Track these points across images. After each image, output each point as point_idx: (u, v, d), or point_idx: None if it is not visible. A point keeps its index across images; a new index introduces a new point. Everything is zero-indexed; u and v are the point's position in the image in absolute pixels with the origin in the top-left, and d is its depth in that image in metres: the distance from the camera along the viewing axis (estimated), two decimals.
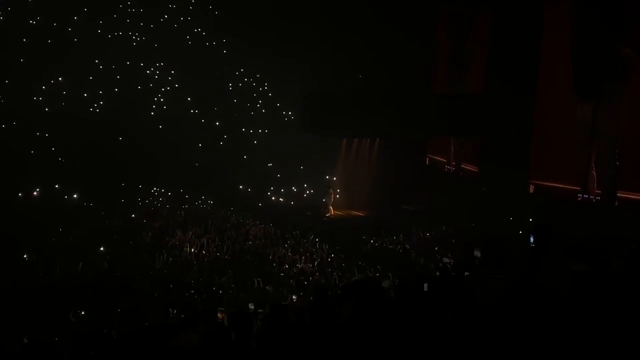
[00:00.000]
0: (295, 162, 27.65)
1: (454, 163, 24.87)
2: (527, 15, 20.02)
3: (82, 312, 12.35)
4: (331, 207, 24.90)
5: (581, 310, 4.65)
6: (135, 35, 30.41)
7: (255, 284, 14.93)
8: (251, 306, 9.83)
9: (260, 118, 29.80)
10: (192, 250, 17.87)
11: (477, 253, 7.01)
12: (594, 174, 18.82)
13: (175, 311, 12.67)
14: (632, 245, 5.85)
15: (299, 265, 16.73)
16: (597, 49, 17.72)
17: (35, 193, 22.25)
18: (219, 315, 9.19)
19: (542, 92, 20.44)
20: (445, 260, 14.04)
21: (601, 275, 5.35)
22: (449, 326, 5.41)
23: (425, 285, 7.98)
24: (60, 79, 27.34)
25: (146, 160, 25.48)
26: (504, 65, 20.66)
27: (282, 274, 15.99)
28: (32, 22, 28.33)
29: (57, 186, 22.79)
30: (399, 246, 18.82)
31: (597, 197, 18.78)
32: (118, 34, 29.85)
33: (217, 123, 28.82)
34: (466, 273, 8.36)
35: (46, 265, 15.87)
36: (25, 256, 16.40)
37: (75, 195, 22.50)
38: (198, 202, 24.26)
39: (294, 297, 12.16)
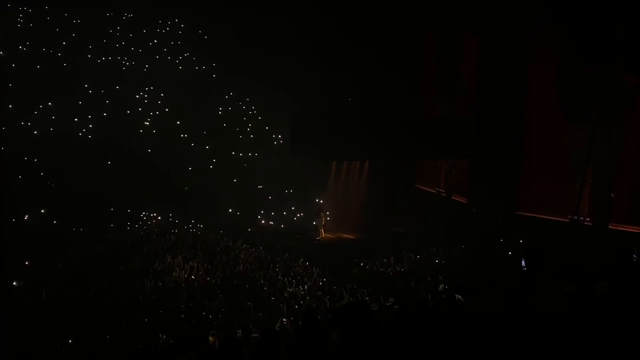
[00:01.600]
0: (285, 185, 27.68)
1: (443, 191, 24.97)
2: (515, 39, 20.29)
3: (70, 340, 12.22)
4: (322, 230, 24.93)
5: (572, 331, 4.66)
6: (124, 60, 30.52)
7: (246, 309, 14.84)
8: (239, 332, 9.77)
9: (250, 141, 29.87)
10: (182, 274, 17.76)
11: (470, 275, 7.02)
12: (586, 197, 18.99)
13: (164, 336, 12.55)
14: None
15: (290, 289, 16.65)
16: (583, 74, 17.94)
17: (24, 218, 22.08)
18: (210, 338, 9.12)
19: (530, 116, 20.66)
20: (440, 287, 14.08)
21: (589, 296, 5.37)
22: (443, 349, 5.39)
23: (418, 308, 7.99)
24: (49, 103, 27.31)
25: (135, 184, 25.40)
26: (491, 89, 20.90)
27: (272, 298, 15.92)
28: (22, 48, 28.35)
29: (43, 211, 22.64)
30: (390, 269, 18.80)
31: (587, 219, 18.91)
32: (107, 58, 29.93)
33: (207, 147, 28.84)
34: (457, 296, 8.37)
35: (33, 290, 15.72)
36: (14, 282, 16.25)
37: (62, 220, 22.36)
38: (187, 226, 24.16)
39: (284, 319, 12.09)
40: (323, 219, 25.12)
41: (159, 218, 24.76)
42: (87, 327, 13.06)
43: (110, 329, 13.46)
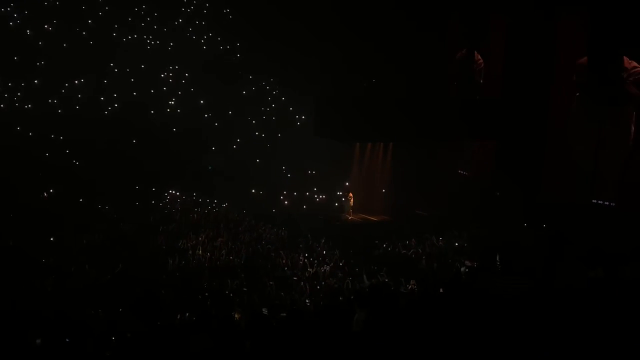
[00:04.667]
0: (308, 167, 27.70)
1: (466, 173, 24.81)
2: (543, 20, 19.99)
3: (97, 312, 12.42)
4: (351, 211, 25.02)
5: (596, 314, 4.64)
6: (149, 39, 30.59)
7: (268, 288, 14.96)
8: (265, 311, 9.85)
9: (274, 122, 29.90)
10: (205, 253, 17.93)
11: (497, 258, 7.00)
12: (607, 180, 18.78)
13: (187, 314, 12.71)
14: None
15: (311, 270, 16.74)
16: (613, 57, 17.66)
17: (45, 195, 22.40)
18: (236, 315, 9.22)
19: (556, 100, 20.40)
20: (467, 263, 14.04)
21: (615, 281, 5.34)
22: (464, 331, 5.39)
23: (440, 289, 8.01)
24: (75, 82, 27.55)
25: (159, 164, 25.61)
26: (518, 71, 20.64)
27: (294, 278, 16.03)
28: (48, 27, 28.55)
29: (69, 189, 22.94)
30: (412, 251, 18.81)
31: (611, 203, 18.70)
32: (133, 37, 30.04)
33: (231, 127, 28.94)
34: (480, 277, 8.36)
35: (59, 268, 15.98)
36: (43, 260, 16.54)
37: (87, 198, 22.65)
38: (211, 206, 24.33)
39: (307, 301, 12.18)
40: (352, 201, 25.15)
41: (183, 197, 24.97)
42: (111, 302, 13.23)
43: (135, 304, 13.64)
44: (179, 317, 12.48)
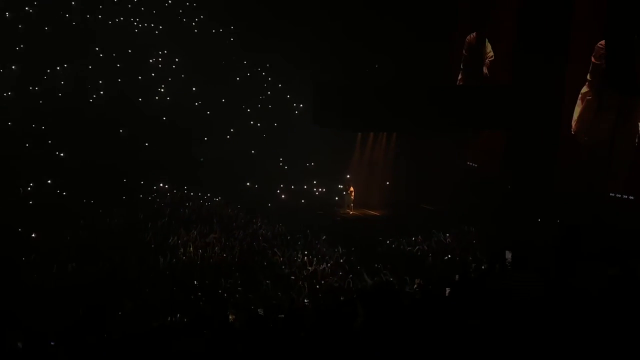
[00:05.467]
0: (307, 158, 27.68)
1: (476, 165, 24.80)
2: (557, 1, 19.93)
3: (81, 314, 12.39)
4: (352, 205, 25.03)
5: (616, 313, 4.62)
6: (137, 22, 30.48)
7: (264, 287, 14.96)
8: (260, 311, 9.85)
9: (270, 111, 29.83)
10: (197, 250, 17.92)
11: (509, 254, 6.97)
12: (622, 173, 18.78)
13: (179, 315, 12.71)
14: None
15: (310, 268, 16.74)
16: (632, 43, 17.60)
17: (28, 189, 22.35)
18: (229, 316, 9.22)
19: (571, 87, 20.35)
20: (472, 267, 14.02)
21: (634, 279, 5.32)
22: (473, 334, 5.38)
23: (447, 289, 7.99)
24: (57, 68, 27.45)
25: (148, 155, 25.58)
26: (531, 57, 20.56)
27: (292, 277, 16.03)
28: (28, 9, 28.39)
29: (50, 182, 22.89)
30: (417, 248, 18.80)
31: (629, 196, 18.70)
32: (119, 20, 29.92)
33: (224, 116, 28.87)
34: (490, 276, 8.33)
35: (40, 266, 15.96)
36: (23, 258, 16.51)
37: (71, 192, 22.60)
38: (203, 200, 24.32)
39: (305, 300, 12.19)
40: (352, 195, 25.15)
41: (174, 191, 24.93)
42: (97, 304, 13.22)
43: (123, 305, 13.64)
44: (169, 318, 12.49)
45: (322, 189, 26.80)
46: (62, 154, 24.87)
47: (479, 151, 24.77)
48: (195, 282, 15.56)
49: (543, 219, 19.37)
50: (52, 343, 6.68)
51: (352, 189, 25.23)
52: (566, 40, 19.99)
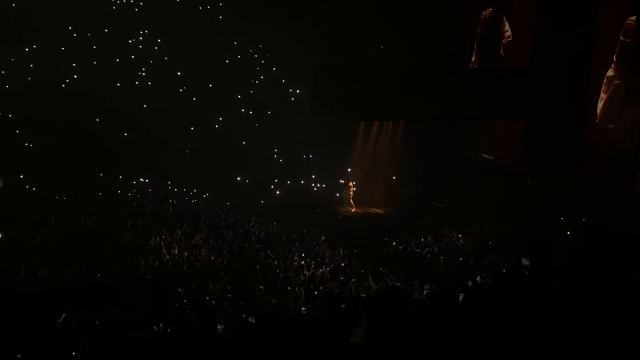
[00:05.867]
0: (304, 150, 27.69)
1: (491, 157, 24.81)
2: None
3: (52, 324, 12.38)
4: (352, 202, 25.01)
5: None
6: None
7: (257, 293, 14.98)
8: (252, 320, 9.87)
9: (263, 97, 29.77)
10: (182, 252, 17.94)
11: (526, 261, 6.98)
12: None
13: (162, 324, 12.72)
14: None
15: (308, 272, 16.77)
16: None
17: None
18: (218, 327, 9.25)
19: (596, 68, 20.34)
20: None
21: None
22: (488, 346, 5.40)
23: (460, 296, 8.01)
24: (27, 49, 27.40)
25: (127, 147, 25.57)
26: (553, 37, 20.54)
27: (288, 282, 16.04)
28: None
29: (22, 176, 22.88)
30: (427, 250, 18.83)
31: None
32: None
33: (212, 102, 28.84)
34: (508, 281, 8.35)
35: (7, 269, 15.94)
36: None
37: (42, 188, 22.58)
38: (188, 197, 24.33)
39: (303, 308, 12.20)
40: (352, 191, 25.12)
41: (155, 186, 24.94)
42: (72, 313, 13.22)
43: (100, 315, 13.64)
44: (151, 329, 12.50)
45: (321, 185, 26.80)
46: (31, 145, 24.84)
47: (496, 142, 24.77)
48: (180, 288, 15.56)
49: (566, 217, 19.40)
50: (18, 356, 6.69)
51: (352, 183, 25.20)
52: (592, 18, 19.96)
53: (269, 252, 18.20)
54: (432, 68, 22.15)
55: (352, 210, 24.83)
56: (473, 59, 24.96)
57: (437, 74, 20.96)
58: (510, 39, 23.36)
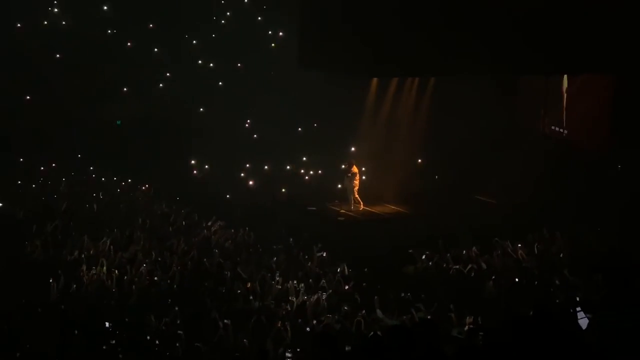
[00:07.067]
0: (290, 121, 27.73)
1: (564, 132, 24.82)
2: None
3: None
4: (358, 197, 24.83)
5: None
6: None
7: (221, 331, 14.98)
8: None
9: (231, 45, 29.70)
10: (111, 270, 17.93)
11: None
12: None
13: None
14: None
15: (295, 299, 16.78)
16: None
17: None
18: None
19: None
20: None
21: None
22: None
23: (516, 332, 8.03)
24: None
25: (29, 118, 25.57)
26: None
27: (265, 314, 16.05)
28: None
29: None
30: (470, 266, 18.85)
31: None
32: None
33: (156, 50, 28.78)
34: (583, 314, 8.38)
35: None
36: None
37: None
38: (120, 189, 24.32)
39: (287, 354, 12.20)
40: (357, 179, 24.93)
41: (72, 174, 24.91)
42: None
43: None
44: None
45: (314, 171, 26.78)
46: None
47: (570, 110, 24.79)
48: (107, 323, 15.55)
49: None
50: None
51: (355, 169, 24.88)
52: None
53: (238, 270, 18.21)
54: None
55: (361, 208, 24.76)
56: None
57: (485, 9, 20.83)
58: None
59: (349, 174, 24.96)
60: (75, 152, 25.19)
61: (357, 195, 24.91)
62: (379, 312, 15.48)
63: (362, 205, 24.90)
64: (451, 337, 13.23)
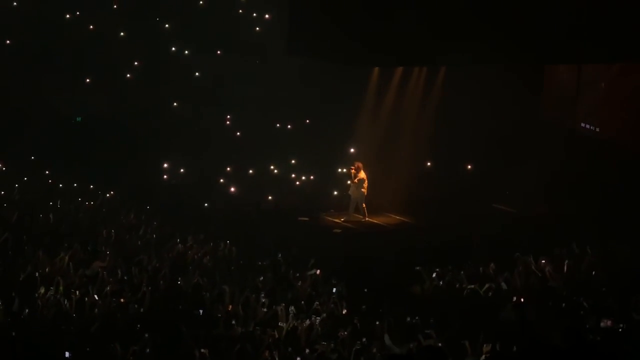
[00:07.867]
0: (278, 117, 27.72)
1: (597, 128, 24.88)
2: None
3: None
4: (364, 205, 24.79)
5: None
6: None
7: None
8: None
9: (207, 26, 29.71)
10: (70, 291, 17.92)
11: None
12: None
13: None
14: None
15: (284, 324, 16.79)
16: None
17: None
18: None
19: None
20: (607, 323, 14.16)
21: None
22: None
23: None
24: None
25: None
26: None
27: (249, 342, 16.06)
28: None
29: None
30: (487, 286, 18.88)
31: None
32: None
33: (122, 34, 28.79)
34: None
35: None
36: None
37: None
38: (81, 196, 24.34)
39: None
40: (365, 184, 24.83)
41: (25, 179, 24.94)
42: None
43: None
44: None
45: (307, 176, 26.84)
46: None
47: (604, 105, 24.87)
48: (67, 352, 15.56)
49: None
50: None
51: (363, 173, 24.87)
52: None
53: (218, 291, 18.24)
54: None
55: (364, 220, 24.78)
56: None
57: None
58: None
59: (357, 180, 24.82)
60: (27, 153, 25.15)
61: (364, 205, 24.86)
62: (386, 339, 15.49)
63: (366, 217, 24.91)
64: None
